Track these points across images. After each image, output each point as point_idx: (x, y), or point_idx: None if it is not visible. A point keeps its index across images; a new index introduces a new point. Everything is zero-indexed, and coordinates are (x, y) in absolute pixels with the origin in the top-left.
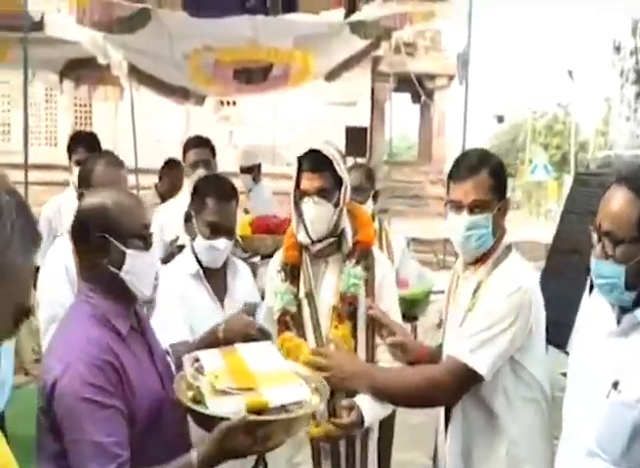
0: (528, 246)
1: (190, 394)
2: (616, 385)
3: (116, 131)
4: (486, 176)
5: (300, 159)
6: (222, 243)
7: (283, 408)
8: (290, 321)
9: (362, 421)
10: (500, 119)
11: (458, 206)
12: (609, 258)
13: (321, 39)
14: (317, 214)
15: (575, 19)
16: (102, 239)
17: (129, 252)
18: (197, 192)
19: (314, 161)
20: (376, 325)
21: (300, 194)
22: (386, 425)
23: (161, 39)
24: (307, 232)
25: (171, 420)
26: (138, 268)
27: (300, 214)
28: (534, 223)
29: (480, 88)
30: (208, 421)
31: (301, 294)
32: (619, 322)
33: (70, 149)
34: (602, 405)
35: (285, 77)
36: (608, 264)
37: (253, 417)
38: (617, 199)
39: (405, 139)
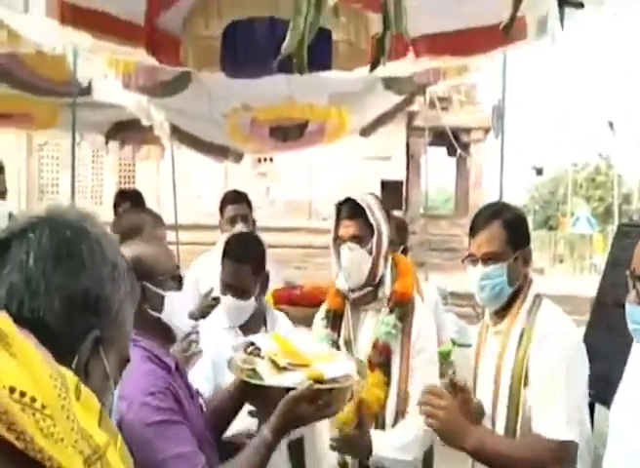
0: (572, 300)
1: (244, 375)
2: None
3: (158, 188)
4: (498, 228)
5: (338, 206)
6: (230, 301)
7: (335, 380)
8: None
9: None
10: (539, 171)
11: (473, 259)
12: None
13: (356, 95)
14: (351, 260)
15: (613, 67)
16: (141, 287)
17: (167, 294)
18: (223, 250)
19: (349, 208)
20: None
21: (338, 241)
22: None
23: (200, 100)
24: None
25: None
26: (176, 308)
27: (339, 261)
28: (578, 277)
29: (517, 140)
30: (269, 397)
31: (341, 342)
32: None
33: (116, 205)
34: None
35: (320, 133)
36: None
37: (317, 386)
38: None
39: (442, 192)
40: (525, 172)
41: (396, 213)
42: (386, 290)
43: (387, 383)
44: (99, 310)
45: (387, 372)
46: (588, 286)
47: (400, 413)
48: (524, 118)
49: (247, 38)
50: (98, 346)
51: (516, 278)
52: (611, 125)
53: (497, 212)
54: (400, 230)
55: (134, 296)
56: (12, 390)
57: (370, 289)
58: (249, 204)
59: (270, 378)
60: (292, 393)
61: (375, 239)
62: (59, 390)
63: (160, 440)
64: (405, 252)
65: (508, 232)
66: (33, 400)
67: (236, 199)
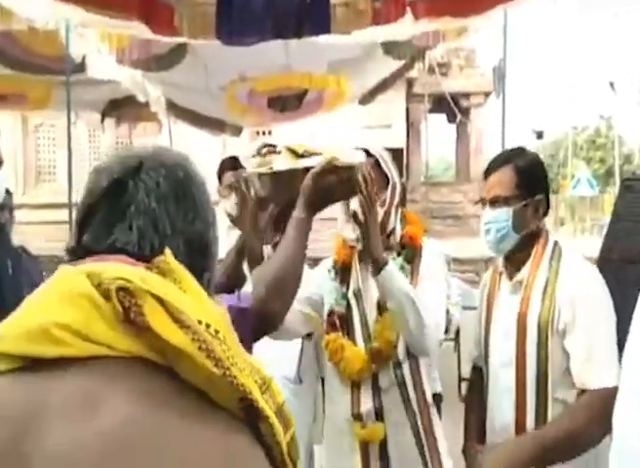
0: None
1: (266, 169)
2: None
3: None
4: (509, 172)
5: None
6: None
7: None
8: (337, 321)
9: None
10: (540, 135)
11: (482, 202)
12: None
13: (355, 62)
14: None
15: (614, 28)
16: None
17: None
18: None
19: None
20: None
21: None
22: None
23: (197, 73)
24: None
25: None
26: None
27: (347, 211)
28: (579, 239)
29: (517, 103)
30: (291, 186)
31: (350, 294)
32: None
33: None
34: None
35: (319, 102)
36: None
37: (337, 162)
38: None
39: (442, 161)
40: (525, 135)
41: None
42: (396, 237)
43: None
44: (207, 254)
45: None
46: (590, 247)
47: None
48: (524, 80)
49: (242, 4)
50: (209, 288)
51: (524, 225)
52: (612, 85)
53: (511, 156)
54: (402, 193)
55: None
56: (199, 322)
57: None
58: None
59: (292, 165)
60: (314, 168)
61: (389, 190)
62: (225, 322)
63: None
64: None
65: (520, 177)
66: (216, 331)
67: (235, 166)
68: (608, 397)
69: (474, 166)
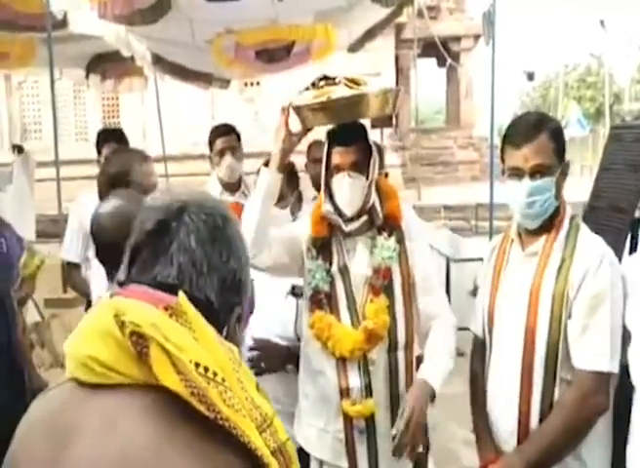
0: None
1: (325, 97)
2: None
3: (143, 120)
4: (546, 139)
5: (329, 134)
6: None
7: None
8: (323, 299)
9: (432, 390)
10: (531, 76)
11: (518, 173)
12: None
13: (342, 11)
14: (352, 190)
15: None
16: None
17: None
18: None
19: (345, 134)
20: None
21: (331, 170)
22: None
23: (182, 26)
24: (338, 209)
25: None
26: None
27: (330, 191)
28: (568, 181)
29: (508, 45)
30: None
31: (334, 269)
32: None
33: (99, 144)
34: None
35: (307, 53)
36: None
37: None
38: None
39: (432, 105)
40: (516, 77)
41: (387, 130)
42: (379, 214)
43: (391, 308)
44: (240, 290)
45: (390, 297)
46: (579, 191)
47: (409, 335)
48: (515, 21)
49: None
50: (239, 321)
51: (560, 192)
52: (602, 23)
53: (541, 121)
54: (379, 155)
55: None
56: (197, 365)
57: (365, 218)
58: (237, 136)
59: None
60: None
61: (371, 164)
62: (232, 364)
63: None
64: (386, 176)
65: (556, 143)
66: (215, 374)
67: (225, 131)
68: (599, 380)
69: (464, 111)
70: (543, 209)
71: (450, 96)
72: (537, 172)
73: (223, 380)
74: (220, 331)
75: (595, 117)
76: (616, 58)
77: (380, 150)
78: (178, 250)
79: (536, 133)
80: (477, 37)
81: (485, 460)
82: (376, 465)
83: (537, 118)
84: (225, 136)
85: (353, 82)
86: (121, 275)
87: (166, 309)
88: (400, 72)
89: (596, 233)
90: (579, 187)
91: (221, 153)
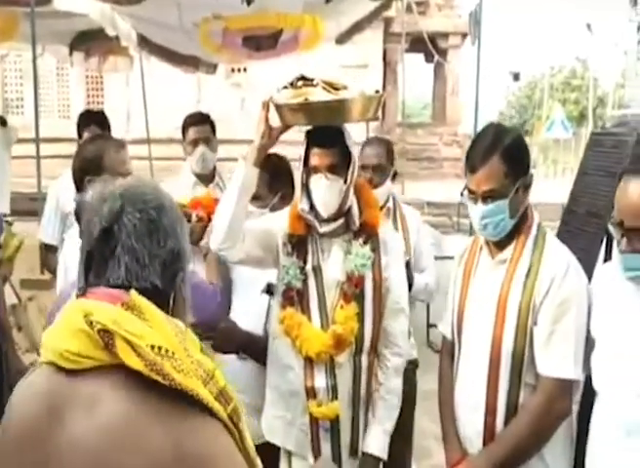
0: (544, 207)
1: (302, 99)
2: None
3: (128, 101)
4: (497, 163)
5: (308, 134)
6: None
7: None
8: (295, 296)
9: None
10: (516, 76)
11: (473, 196)
12: (638, 252)
13: (331, 2)
14: (329, 192)
15: None
16: None
17: None
18: None
19: (324, 136)
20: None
21: (309, 170)
22: (408, 396)
23: (169, 8)
24: (314, 209)
25: None
26: None
27: (307, 192)
28: (551, 182)
29: (495, 44)
30: (320, 112)
31: (308, 268)
32: None
33: (80, 127)
34: None
35: (295, 42)
36: (638, 257)
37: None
38: (634, 192)
39: (419, 100)
40: (502, 77)
41: (373, 123)
42: (355, 219)
43: (360, 313)
44: (180, 258)
45: (360, 303)
46: (561, 191)
47: (375, 337)
48: (501, 21)
49: None
50: (183, 281)
51: (517, 209)
52: (589, 27)
53: (494, 143)
54: (389, 153)
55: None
56: (152, 347)
57: (341, 221)
58: (212, 126)
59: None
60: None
61: (351, 167)
62: (178, 337)
63: None
64: (394, 177)
65: (508, 165)
66: (167, 351)
67: (198, 121)
68: (563, 387)
69: (450, 108)
70: (497, 230)
71: (436, 92)
72: (488, 196)
73: (173, 354)
74: (167, 306)
75: (579, 120)
76: (601, 62)
77: (392, 151)
78: (122, 252)
79: (488, 156)
80: (465, 35)
81: (451, 461)
82: (339, 459)
83: (492, 138)
84: (199, 126)
85: (331, 86)
86: (81, 281)
87: (122, 305)
88: (388, 66)
89: (573, 237)
90: (560, 189)
91: (194, 143)
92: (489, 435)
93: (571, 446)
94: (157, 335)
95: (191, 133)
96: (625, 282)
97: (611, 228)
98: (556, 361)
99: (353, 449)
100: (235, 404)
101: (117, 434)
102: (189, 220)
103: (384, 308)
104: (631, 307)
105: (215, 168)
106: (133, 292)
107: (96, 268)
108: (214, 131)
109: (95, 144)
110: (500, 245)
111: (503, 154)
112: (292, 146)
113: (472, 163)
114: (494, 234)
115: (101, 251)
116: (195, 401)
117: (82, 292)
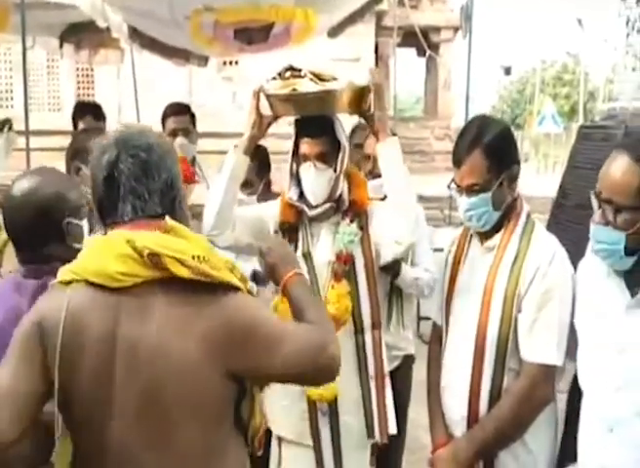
0: (535, 200)
1: (290, 90)
2: None
3: (119, 94)
4: (479, 157)
5: (297, 123)
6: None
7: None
8: None
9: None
10: (508, 71)
11: (459, 189)
12: (609, 225)
13: None
14: (317, 180)
15: None
16: (67, 224)
17: (83, 223)
18: None
19: (313, 125)
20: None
21: (299, 159)
22: (401, 385)
23: (160, 0)
24: (304, 197)
25: None
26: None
27: (297, 180)
28: (542, 176)
29: (486, 39)
30: (309, 102)
31: (298, 254)
32: (632, 293)
33: (76, 118)
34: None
35: (287, 35)
36: (608, 231)
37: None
38: (617, 166)
39: (411, 94)
40: (493, 71)
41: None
42: (345, 202)
43: (354, 292)
44: (174, 184)
45: (353, 281)
46: (551, 185)
47: (375, 314)
48: (493, 16)
49: None
50: (179, 204)
51: (502, 201)
52: (579, 22)
53: (477, 137)
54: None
55: None
56: (193, 257)
57: (330, 205)
58: (192, 116)
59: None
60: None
61: (340, 156)
62: (207, 245)
63: None
64: None
65: (490, 159)
66: (204, 257)
67: (177, 111)
68: (545, 372)
69: (442, 102)
70: (481, 222)
71: (428, 86)
72: (471, 190)
73: (209, 258)
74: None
75: (569, 115)
76: (592, 57)
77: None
78: (125, 193)
79: (470, 151)
80: (457, 29)
81: (436, 444)
82: (339, 447)
83: (475, 132)
84: (178, 116)
85: (318, 77)
86: (100, 224)
87: (160, 229)
88: (380, 59)
89: (562, 230)
90: (551, 183)
91: (173, 134)
92: (473, 419)
93: (555, 432)
94: (194, 247)
95: (170, 123)
96: (609, 274)
97: (592, 198)
98: (539, 347)
99: (370, 430)
100: (248, 283)
101: (171, 326)
102: None
103: (380, 281)
104: (612, 300)
105: (194, 159)
106: (167, 218)
107: (108, 210)
108: (194, 122)
109: (86, 135)
110: (489, 234)
111: (485, 149)
112: (281, 140)
113: (456, 157)
114: (478, 226)
115: (108, 195)
116: (230, 287)
117: (104, 231)
